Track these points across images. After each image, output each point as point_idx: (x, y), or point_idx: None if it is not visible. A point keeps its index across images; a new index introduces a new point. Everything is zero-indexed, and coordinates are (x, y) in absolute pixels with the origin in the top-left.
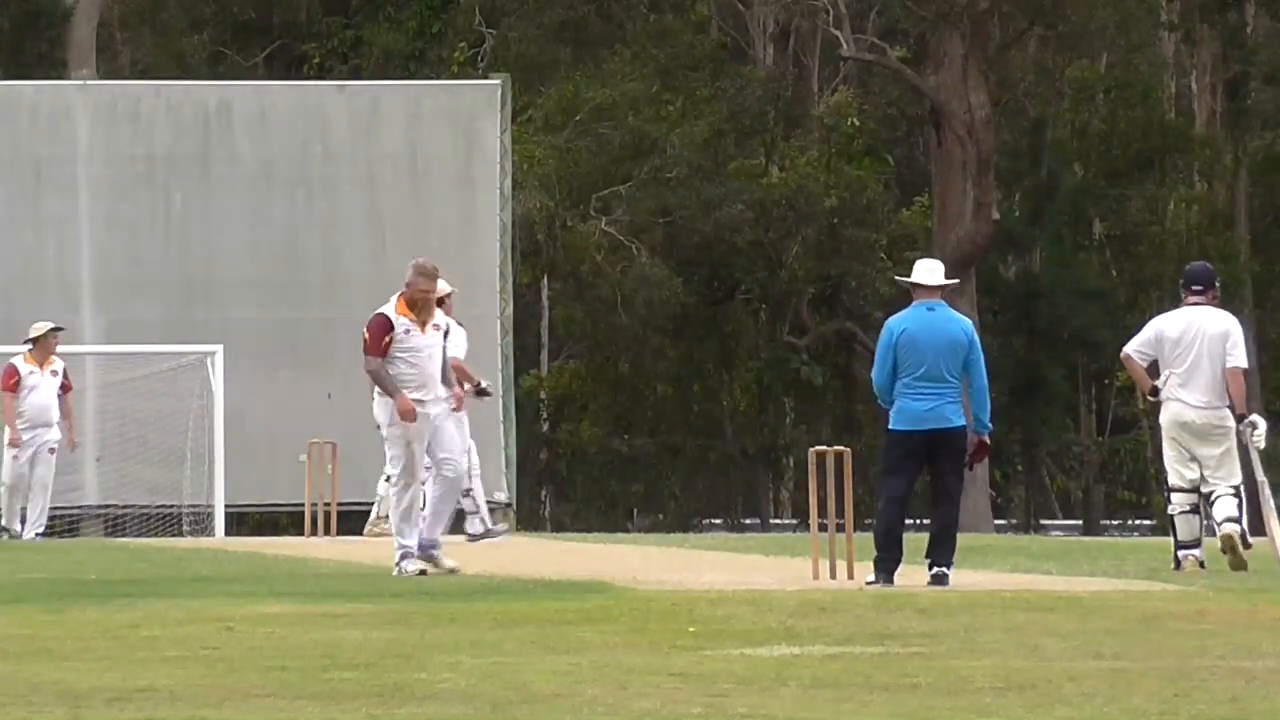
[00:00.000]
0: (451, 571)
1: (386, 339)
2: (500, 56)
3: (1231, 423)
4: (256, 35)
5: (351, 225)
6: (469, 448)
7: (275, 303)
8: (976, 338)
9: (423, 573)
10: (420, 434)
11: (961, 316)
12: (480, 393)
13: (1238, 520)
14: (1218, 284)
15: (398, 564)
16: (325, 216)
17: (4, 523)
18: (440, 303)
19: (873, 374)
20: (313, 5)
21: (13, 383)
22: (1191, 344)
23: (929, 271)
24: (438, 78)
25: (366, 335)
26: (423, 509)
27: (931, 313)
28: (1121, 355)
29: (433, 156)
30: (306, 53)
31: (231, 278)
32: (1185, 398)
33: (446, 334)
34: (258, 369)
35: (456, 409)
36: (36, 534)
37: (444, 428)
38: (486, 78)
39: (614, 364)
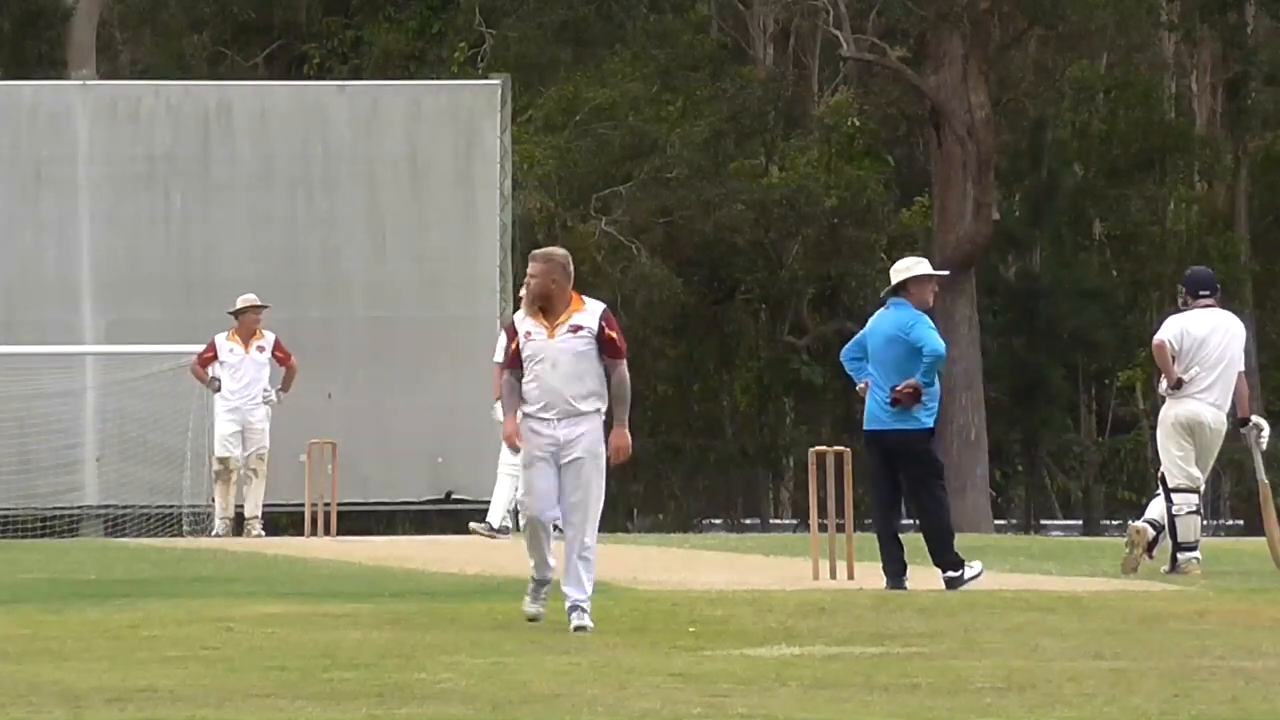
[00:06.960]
0: (580, 632)
1: (513, 346)
2: (500, 56)
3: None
4: (256, 35)
5: (351, 225)
6: None
7: (275, 303)
8: (920, 324)
9: (533, 619)
10: (530, 460)
11: (909, 310)
12: None
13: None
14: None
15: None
16: (325, 216)
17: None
18: None
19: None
20: (313, 5)
21: (209, 356)
22: (1218, 346)
23: (894, 271)
24: (438, 78)
25: None
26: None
27: (884, 311)
28: (1157, 343)
29: (433, 156)
30: (306, 53)
31: (231, 278)
32: (1206, 398)
33: (603, 338)
34: None
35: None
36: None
37: (577, 466)
38: (486, 78)
39: None
